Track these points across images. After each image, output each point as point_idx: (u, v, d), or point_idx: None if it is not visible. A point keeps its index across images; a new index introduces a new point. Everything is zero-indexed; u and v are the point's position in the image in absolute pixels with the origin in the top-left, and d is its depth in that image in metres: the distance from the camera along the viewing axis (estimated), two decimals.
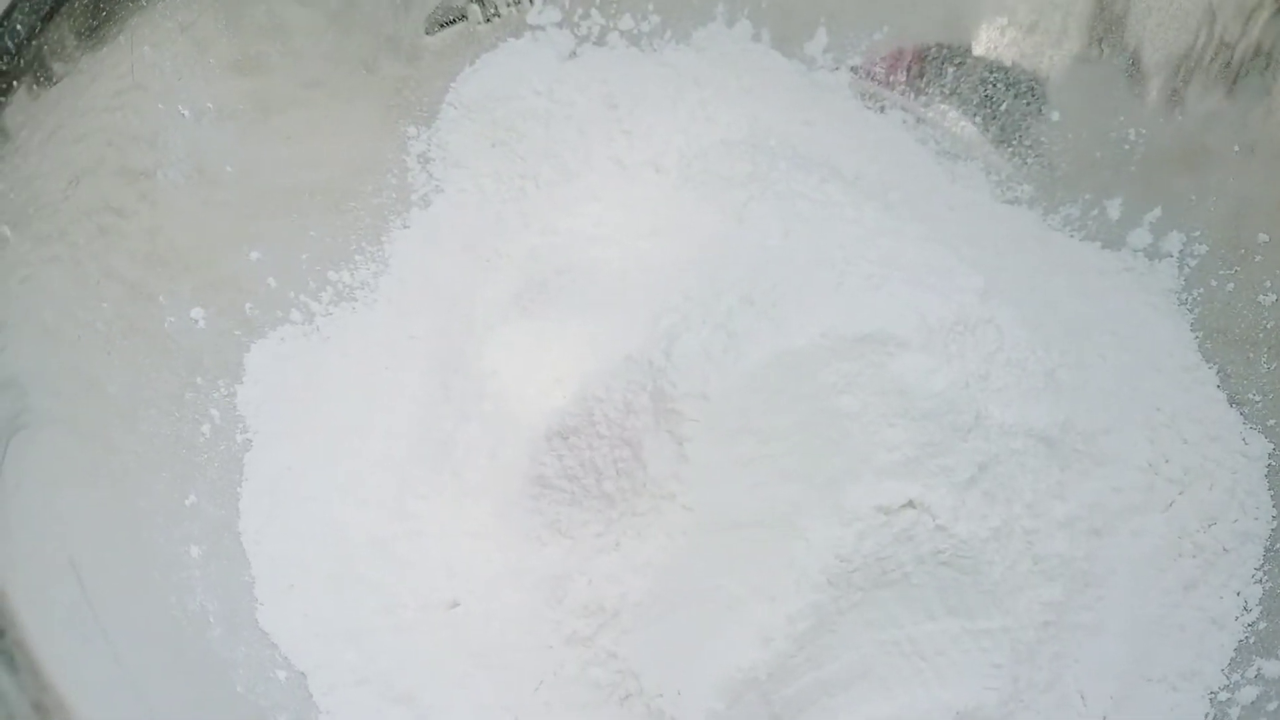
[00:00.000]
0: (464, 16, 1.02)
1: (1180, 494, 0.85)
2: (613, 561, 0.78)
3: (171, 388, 0.83)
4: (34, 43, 0.75)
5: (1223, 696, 0.76)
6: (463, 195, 0.94)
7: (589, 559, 0.78)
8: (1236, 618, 0.80)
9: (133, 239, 0.82)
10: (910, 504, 0.74)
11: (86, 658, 0.64)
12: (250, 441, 0.86)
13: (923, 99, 1.05)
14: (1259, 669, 0.76)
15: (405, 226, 0.96)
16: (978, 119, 1.04)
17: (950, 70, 1.05)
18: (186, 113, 0.86)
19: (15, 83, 0.74)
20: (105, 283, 0.79)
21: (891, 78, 1.06)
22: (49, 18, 0.75)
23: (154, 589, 0.74)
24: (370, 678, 0.78)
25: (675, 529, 0.76)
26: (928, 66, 1.05)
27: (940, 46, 1.04)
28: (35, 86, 0.76)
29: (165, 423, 0.82)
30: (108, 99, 0.81)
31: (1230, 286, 0.91)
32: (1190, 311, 0.93)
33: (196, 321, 0.86)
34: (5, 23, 0.74)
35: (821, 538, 0.73)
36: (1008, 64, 1.03)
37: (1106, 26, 0.98)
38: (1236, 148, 0.91)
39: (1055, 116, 1.01)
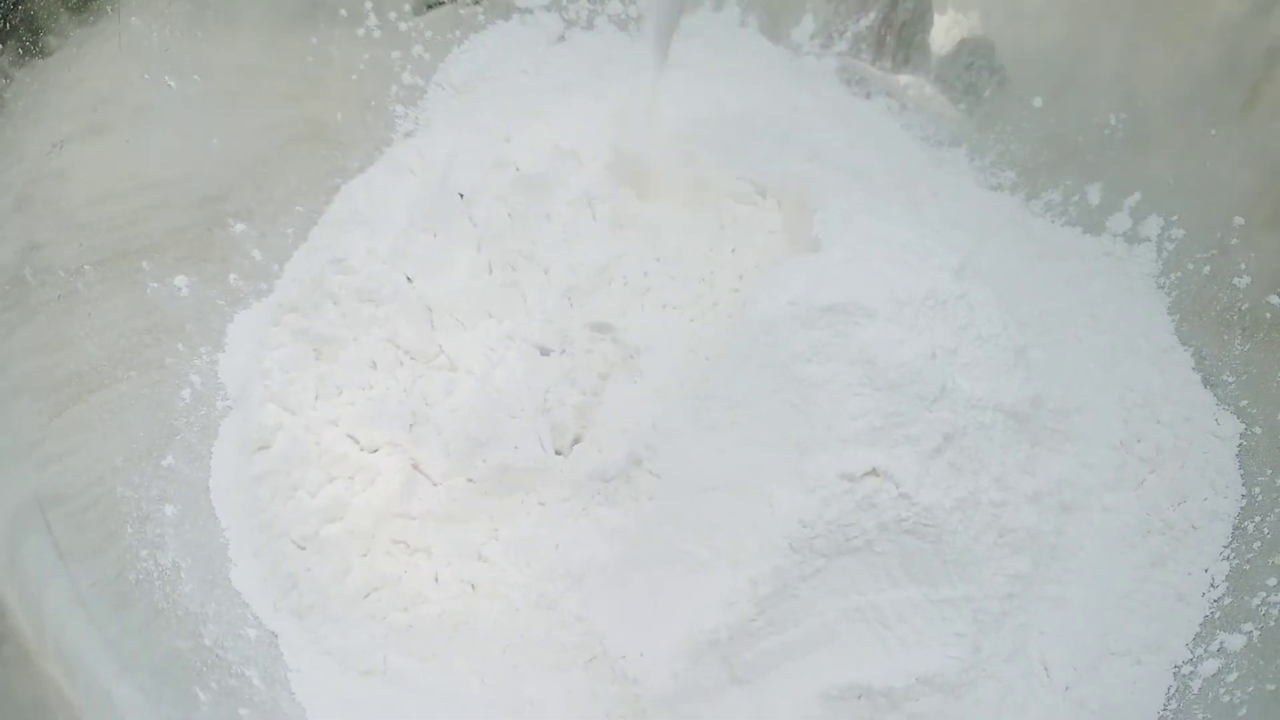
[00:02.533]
0: None
1: (1152, 472, 0.85)
2: (580, 526, 0.79)
3: (153, 352, 0.85)
4: (20, 8, 0.77)
5: (1186, 670, 0.77)
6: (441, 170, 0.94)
7: (557, 524, 0.79)
8: (1203, 594, 0.80)
9: (115, 206, 0.84)
10: (874, 472, 0.74)
11: (47, 595, 0.65)
12: (230, 408, 0.87)
13: (908, 85, 1.06)
14: (1222, 642, 0.76)
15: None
16: (962, 105, 1.05)
17: (934, 57, 1.05)
18: (173, 84, 0.88)
19: (2, 45, 0.75)
20: (86, 247, 0.81)
21: (878, 56, 1.07)
22: None
23: (125, 542, 0.75)
24: (333, 649, 0.79)
25: (642, 494, 0.77)
26: (913, 53, 1.06)
27: (924, 29, 1.05)
28: (21, 52, 0.77)
29: (145, 385, 0.83)
30: (94, 68, 0.83)
31: (1207, 269, 0.91)
32: (1168, 295, 0.93)
33: (180, 289, 0.88)
34: None
35: (785, 503, 0.74)
36: (992, 51, 1.03)
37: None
38: (1214, 132, 0.92)
39: (1038, 102, 1.01)
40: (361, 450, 0.82)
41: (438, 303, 0.84)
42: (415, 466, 0.81)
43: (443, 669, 0.78)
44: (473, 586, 0.79)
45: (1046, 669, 0.77)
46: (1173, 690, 0.76)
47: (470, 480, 0.80)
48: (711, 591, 0.74)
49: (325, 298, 0.85)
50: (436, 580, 0.80)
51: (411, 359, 0.84)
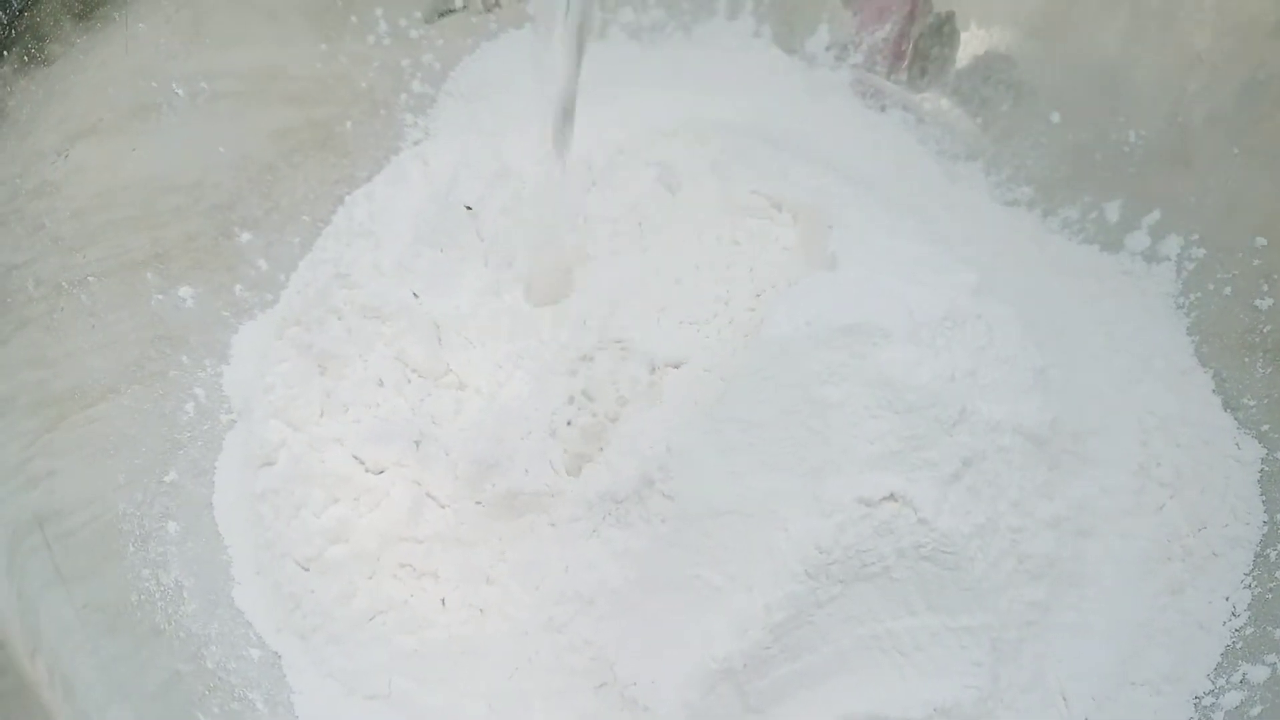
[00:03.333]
0: (464, 6, 1.02)
1: (1171, 497, 0.84)
2: (591, 548, 0.77)
3: (156, 365, 0.83)
4: (26, 15, 0.75)
5: (1207, 701, 0.75)
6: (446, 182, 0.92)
7: (567, 545, 0.78)
8: (1224, 623, 0.78)
9: (120, 215, 0.82)
10: (892, 497, 0.73)
11: (44, 616, 0.64)
12: (234, 422, 0.86)
13: (923, 98, 1.05)
14: (1244, 674, 0.75)
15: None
16: (979, 119, 1.04)
17: (951, 70, 1.04)
18: (180, 91, 0.86)
19: (5, 53, 0.74)
20: (90, 256, 0.79)
21: (893, 69, 1.06)
22: None
23: (126, 561, 0.74)
24: (337, 671, 0.77)
25: (654, 516, 0.75)
26: (929, 65, 1.05)
27: (940, 42, 1.04)
28: (26, 60, 0.76)
29: (148, 399, 0.82)
30: (100, 75, 0.81)
31: (1228, 290, 0.90)
32: (1187, 315, 0.92)
33: (185, 300, 0.86)
34: None
35: (801, 528, 0.72)
36: (1010, 65, 1.02)
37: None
38: (1236, 150, 0.90)
39: (1056, 118, 1.00)
40: (367, 472, 0.80)
41: (446, 320, 0.83)
42: (423, 489, 0.79)
43: (449, 693, 0.77)
44: (481, 611, 0.78)
45: (1065, 699, 0.76)
46: None
47: (479, 503, 0.79)
48: (725, 618, 0.72)
49: (329, 313, 0.83)
50: (444, 604, 0.78)
51: (420, 377, 0.82)
